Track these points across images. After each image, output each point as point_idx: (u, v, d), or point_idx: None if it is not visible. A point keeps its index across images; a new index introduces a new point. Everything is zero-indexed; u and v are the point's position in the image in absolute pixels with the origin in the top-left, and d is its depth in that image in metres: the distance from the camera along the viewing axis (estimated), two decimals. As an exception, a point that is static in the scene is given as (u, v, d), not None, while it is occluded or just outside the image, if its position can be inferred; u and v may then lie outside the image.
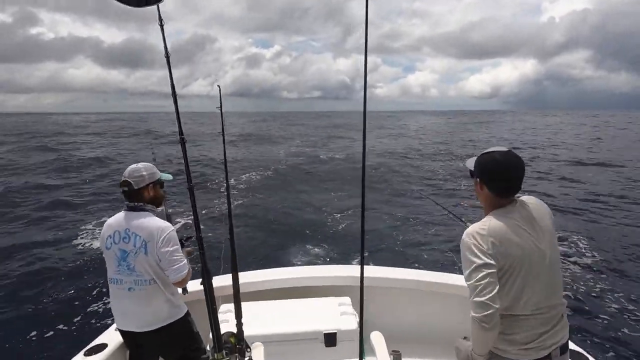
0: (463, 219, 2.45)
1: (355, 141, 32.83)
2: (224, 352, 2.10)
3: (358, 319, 2.52)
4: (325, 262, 7.31)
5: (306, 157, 23.32)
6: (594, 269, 6.83)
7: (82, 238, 8.65)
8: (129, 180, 2.23)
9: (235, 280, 2.22)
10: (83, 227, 9.38)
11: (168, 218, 2.44)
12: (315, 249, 7.97)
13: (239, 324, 2.24)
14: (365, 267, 2.36)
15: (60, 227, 9.63)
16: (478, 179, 1.70)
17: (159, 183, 2.36)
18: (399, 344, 2.54)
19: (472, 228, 1.59)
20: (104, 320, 5.18)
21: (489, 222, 1.58)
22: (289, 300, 2.97)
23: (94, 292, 6.04)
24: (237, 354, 2.16)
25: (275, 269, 3.41)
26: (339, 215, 10.38)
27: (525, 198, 1.70)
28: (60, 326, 5.18)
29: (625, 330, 4.96)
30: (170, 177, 2.45)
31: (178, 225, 2.35)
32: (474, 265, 1.51)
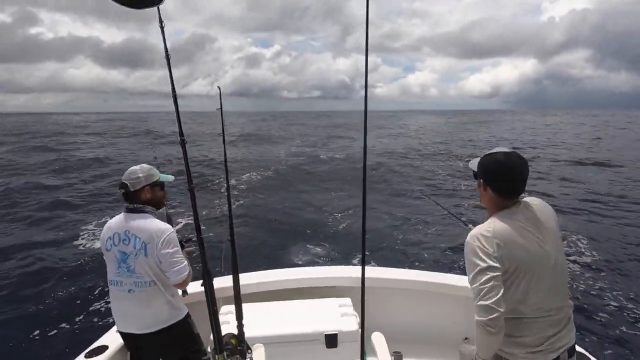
0: (463, 219, 2.45)
1: (355, 141, 32.85)
2: (225, 353, 2.09)
3: (359, 320, 2.52)
4: (326, 262, 7.31)
5: (306, 157, 23.32)
6: (593, 268, 6.84)
7: (82, 238, 8.64)
8: (125, 182, 2.24)
9: (236, 281, 2.22)
10: (84, 228, 9.37)
11: (168, 219, 2.43)
12: (316, 249, 7.97)
13: (240, 326, 2.24)
14: (366, 267, 2.35)
15: (61, 227, 9.63)
16: (481, 180, 1.68)
17: (158, 184, 2.34)
18: (400, 344, 2.54)
19: (477, 230, 1.56)
20: (105, 319, 5.18)
21: (493, 224, 1.55)
22: (289, 301, 2.96)
23: (96, 292, 6.04)
24: (238, 356, 2.16)
25: (276, 270, 3.40)
26: (339, 214, 10.38)
27: (529, 199, 1.68)
28: (62, 326, 5.17)
29: (624, 329, 4.97)
30: (172, 178, 2.44)
31: (179, 226, 2.35)
32: (478, 268, 1.48)
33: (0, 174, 16.81)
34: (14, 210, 11.12)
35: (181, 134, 2.04)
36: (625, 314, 5.33)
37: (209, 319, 2.06)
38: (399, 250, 7.88)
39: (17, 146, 28.85)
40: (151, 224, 2.20)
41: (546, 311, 1.54)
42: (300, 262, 7.26)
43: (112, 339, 2.48)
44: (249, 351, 2.25)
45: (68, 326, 5.19)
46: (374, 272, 3.19)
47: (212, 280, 2.12)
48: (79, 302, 5.81)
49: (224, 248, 2.22)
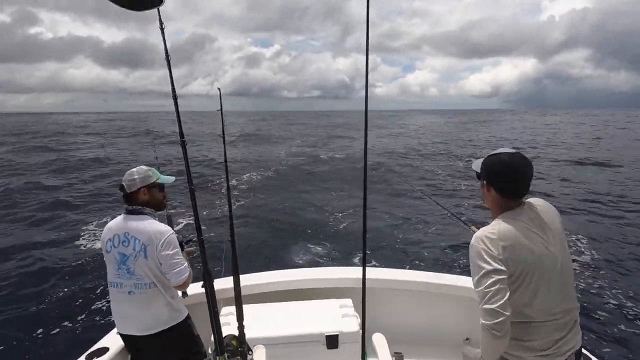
0: (463, 219, 2.45)
1: (355, 140, 32.85)
2: (225, 355, 2.09)
3: (360, 321, 2.52)
4: (327, 261, 7.32)
5: (307, 157, 23.31)
6: (593, 267, 6.84)
7: (83, 238, 8.65)
8: (122, 184, 2.26)
9: (237, 282, 2.21)
10: (84, 228, 9.37)
11: (169, 220, 2.43)
12: (317, 248, 7.98)
13: (241, 327, 2.23)
14: (366, 268, 2.35)
15: (61, 227, 9.63)
16: (485, 181, 1.66)
17: (156, 186, 2.33)
18: (401, 345, 2.53)
19: (481, 232, 1.54)
20: (105, 319, 5.18)
21: (498, 226, 1.53)
22: (290, 302, 2.96)
23: (96, 292, 6.04)
24: (238, 357, 2.15)
25: (277, 271, 3.40)
26: (340, 214, 10.39)
27: (532, 200, 1.66)
28: (63, 326, 5.18)
29: (624, 328, 4.99)
30: (172, 179, 2.43)
31: (179, 227, 2.35)
32: (483, 271, 1.46)
33: (0, 174, 16.81)
34: (14, 210, 11.12)
35: (182, 135, 2.03)
36: (624, 313, 5.34)
37: (210, 320, 2.05)
38: (399, 250, 7.89)
39: (17, 146, 28.84)
40: (150, 225, 2.20)
41: (552, 314, 1.52)
42: (301, 262, 7.27)
43: (112, 341, 2.48)
44: (250, 352, 2.24)
45: (69, 326, 5.19)
46: (374, 272, 3.19)
47: (213, 281, 2.12)
48: (79, 302, 5.82)
49: (225, 249, 2.22)
